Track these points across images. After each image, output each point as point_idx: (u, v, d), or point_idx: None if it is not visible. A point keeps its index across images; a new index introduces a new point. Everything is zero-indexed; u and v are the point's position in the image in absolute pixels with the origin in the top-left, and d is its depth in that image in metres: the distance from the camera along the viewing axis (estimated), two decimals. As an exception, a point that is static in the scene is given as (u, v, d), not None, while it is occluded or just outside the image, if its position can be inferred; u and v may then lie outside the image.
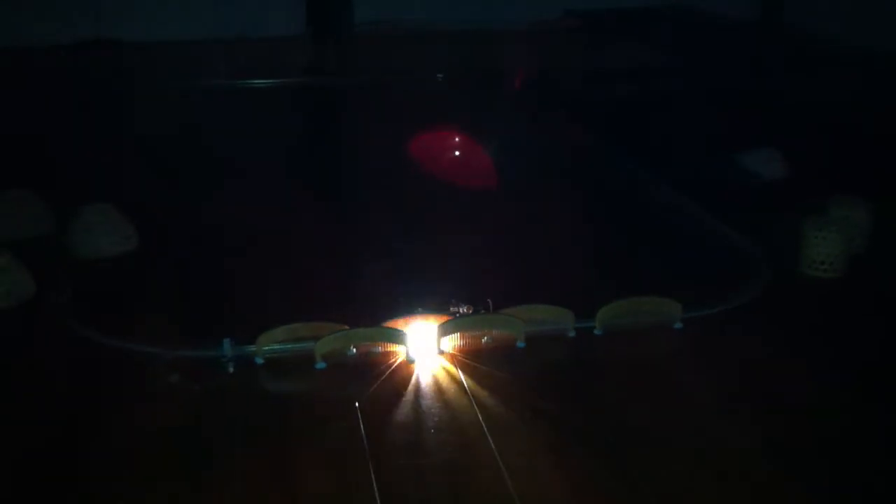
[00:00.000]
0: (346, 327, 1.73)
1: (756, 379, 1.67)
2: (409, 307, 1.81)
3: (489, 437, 1.45)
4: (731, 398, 1.60)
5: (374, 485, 1.34)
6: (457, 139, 3.08)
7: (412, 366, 1.68)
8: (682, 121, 3.46)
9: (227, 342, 1.66)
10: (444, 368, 1.68)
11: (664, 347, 1.80)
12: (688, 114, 3.57)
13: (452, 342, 1.74)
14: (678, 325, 1.84)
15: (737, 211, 2.43)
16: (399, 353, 1.71)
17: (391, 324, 1.76)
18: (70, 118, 3.46)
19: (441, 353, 1.72)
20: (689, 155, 3.01)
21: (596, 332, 1.80)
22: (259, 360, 1.68)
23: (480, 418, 1.51)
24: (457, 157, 3.04)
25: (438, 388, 1.62)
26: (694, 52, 4.60)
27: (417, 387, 1.62)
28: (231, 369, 1.65)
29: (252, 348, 1.68)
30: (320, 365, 1.67)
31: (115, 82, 4.02)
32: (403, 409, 1.54)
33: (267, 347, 1.69)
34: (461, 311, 1.80)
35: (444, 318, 1.76)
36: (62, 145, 3.09)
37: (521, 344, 1.76)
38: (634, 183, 2.79)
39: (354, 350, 1.72)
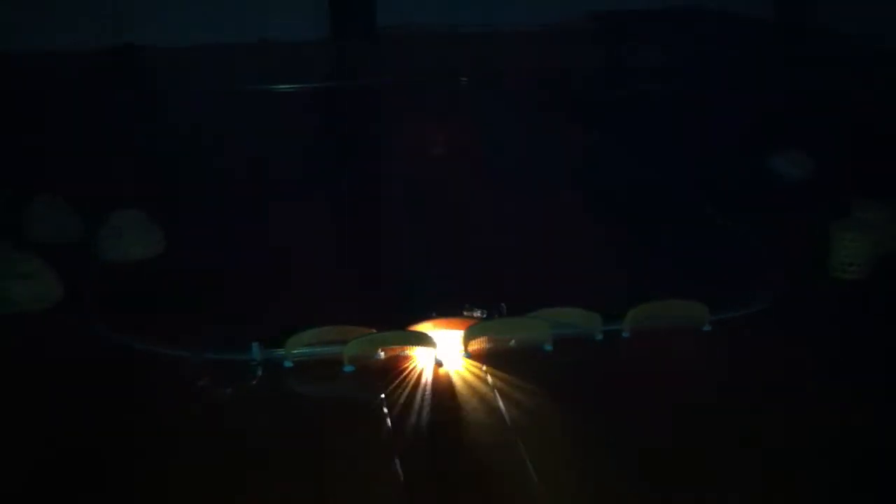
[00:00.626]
0: (374, 331, 1.73)
1: (784, 381, 1.66)
2: (427, 311, 1.80)
3: (517, 441, 1.45)
4: (760, 401, 1.59)
5: (403, 488, 1.34)
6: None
7: (440, 369, 1.68)
8: (705, 122, 3.45)
9: (256, 346, 1.67)
10: (472, 372, 1.68)
11: (692, 350, 1.79)
12: (711, 115, 3.55)
13: (480, 345, 1.74)
14: (706, 328, 1.83)
15: (763, 212, 2.42)
16: (427, 356, 1.71)
17: (418, 327, 1.76)
18: (97, 124, 3.49)
19: (468, 356, 1.72)
20: (714, 156, 3.00)
21: (624, 334, 1.80)
22: (288, 364, 1.69)
23: (508, 421, 1.51)
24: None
25: (466, 392, 1.62)
26: (715, 52, 4.57)
27: (445, 390, 1.62)
28: (260, 372, 1.66)
29: (281, 352, 1.69)
30: (348, 368, 1.68)
31: (141, 87, 4.05)
32: (431, 413, 1.54)
33: (295, 351, 1.70)
34: (476, 315, 1.80)
35: (468, 322, 1.76)
36: (90, 151, 3.12)
37: (548, 347, 1.75)
38: (660, 185, 2.78)
39: (382, 353, 1.72)
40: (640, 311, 1.81)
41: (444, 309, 1.80)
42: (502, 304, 1.81)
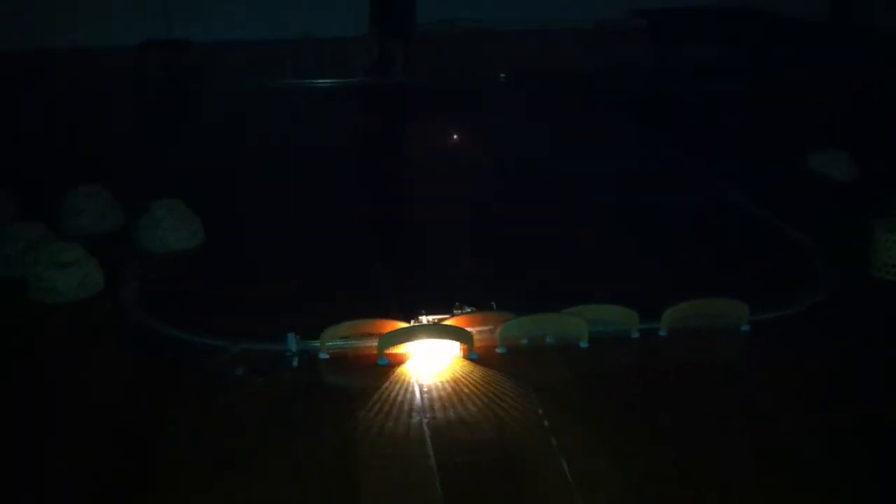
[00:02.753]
0: (409, 324, 1.73)
1: (825, 383, 1.63)
2: (416, 309, 1.79)
3: (551, 437, 1.44)
4: (799, 403, 1.57)
5: (437, 481, 1.34)
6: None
7: (474, 363, 1.68)
8: (749, 121, 3.41)
9: (291, 337, 1.68)
10: (506, 367, 1.67)
11: (730, 350, 1.77)
12: (755, 114, 3.51)
13: (515, 340, 1.73)
14: (745, 328, 1.80)
15: (806, 212, 2.39)
16: (462, 350, 1.71)
17: (453, 321, 1.76)
18: (138, 116, 3.53)
19: (504, 351, 1.71)
20: (757, 155, 2.96)
21: (661, 333, 1.78)
22: (323, 356, 1.69)
23: (542, 418, 1.50)
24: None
25: (500, 387, 1.61)
26: (760, 50, 4.53)
27: (479, 384, 1.61)
28: (295, 364, 1.66)
29: (316, 343, 1.70)
30: (383, 361, 1.68)
31: (182, 82, 4.09)
32: (465, 407, 1.54)
33: (331, 343, 1.70)
34: (465, 312, 1.79)
35: (504, 317, 1.75)
36: (131, 143, 3.16)
37: (584, 344, 1.74)
38: (701, 183, 2.75)
39: (416, 347, 1.71)
40: (679, 310, 1.79)
41: (430, 306, 1.80)
42: (492, 304, 1.80)
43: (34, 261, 1.96)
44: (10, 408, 1.56)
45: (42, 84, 3.92)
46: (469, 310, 1.79)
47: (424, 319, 1.76)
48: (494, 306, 1.79)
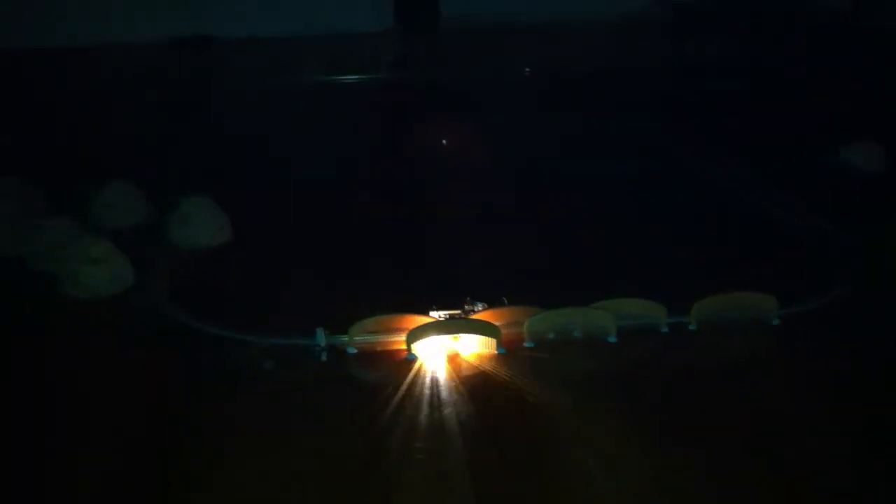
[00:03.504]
0: (436, 318, 1.73)
1: (853, 378, 1.62)
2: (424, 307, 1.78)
3: (579, 431, 1.44)
4: (828, 397, 1.56)
5: (466, 472, 1.34)
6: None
7: (502, 357, 1.68)
8: (778, 114, 3.38)
9: (320, 331, 1.69)
10: (534, 360, 1.67)
11: (759, 344, 1.76)
12: (784, 107, 3.48)
13: (543, 335, 1.73)
14: (775, 321, 1.79)
15: (835, 206, 2.36)
16: (489, 344, 1.71)
17: (481, 315, 1.76)
18: (165, 113, 3.55)
19: (532, 345, 1.71)
20: (786, 148, 2.94)
21: (690, 327, 1.77)
22: (351, 350, 1.70)
23: (570, 411, 1.50)
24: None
25: (528, 380, 1.61)
26: (787, 44, 4.49)
27: (507, 378, 1.61)
28: (324, 358, 1.67)
29: (344, 338, 1.70)
30: (411, 356, 1.68)
31: (208, 78, 4.11)
32: (493, 400, 1.54)
33: (359, 337, 1.71)
34: (477, 309, 1.79)
35: (532, 311, 1.75)
36: (159, 139, 3.17)
37: (612, 338, 1.74)
38: (730, 177, 2.73)
39: (445, 341, 1.72)
40: (708, 304, 1.78)
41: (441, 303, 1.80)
42: (504, 299, 1.80)
43: (65, 256, 1.98)
44: (42, 400, 1.57)
45: (69, 81, 3.94)
46: (480, 306, 1.79)
47: (438, 314, 1.77)
48: (506, 302, 1.79)
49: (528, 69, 4.18)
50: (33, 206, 2.30)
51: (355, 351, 1.70)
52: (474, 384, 1.59)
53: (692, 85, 3.94)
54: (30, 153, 2.99)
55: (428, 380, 1.60)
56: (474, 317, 1.76)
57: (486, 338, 1.71)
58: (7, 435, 1.48)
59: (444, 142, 3.08)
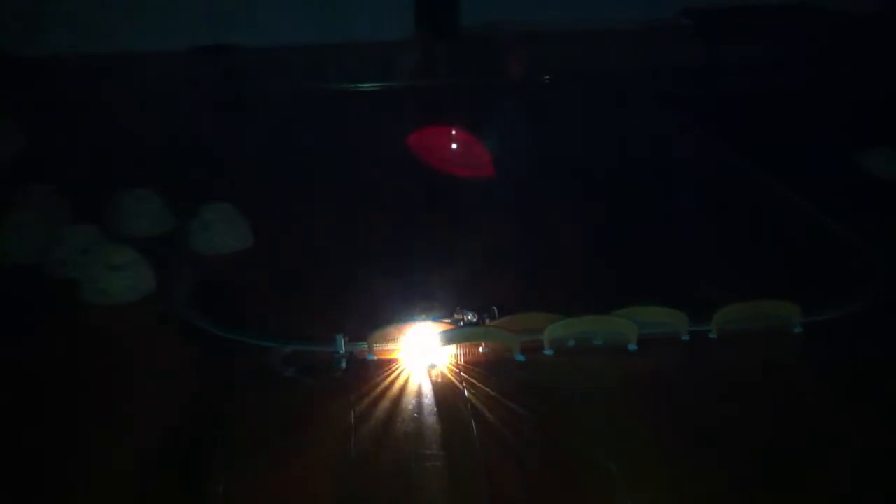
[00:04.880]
0: (456, 326, 1.73)
1: (879, 388, 1.60)
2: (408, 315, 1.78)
3: (598, 439, 1.43)
4: (852, 407, 1.54)
5: (484, 480, 1.34)
6: (454, 134, 3.16)
7: (520, 365, 1.67)
8: (798, 119, 3.36)
9: (340, 338, 1.69)
10: (553, 369, 1.67)
11: (782, 353, 1.74)
12: (804, 112, 3.46)
13: (562, 342, 1.73)
14: (797, 330, 1.78)
15: (856, 212, 2.34)
16: (507, 353, 1.70)
17: (499, 323, 1.76)
18: (188, 121, 3.58)
19: (550, 353, 1.71)
20: (805, 153, 2.92)
21: (711, 335, 1.76)
22: (371, 357, 1.70)
23: (590, 420, 1.49)
24: (455, 150, 3.12)
25: (548, 389, 1.61)
26: (813, 48, 4.46)
27: (526, 386, 1.61)
28: (344, 365, 1.67)
29: (364, 345, 1.71)
30: (430, 363, 1.68)
31: (231, 86, 4.14)
32: (512, 407, 1.54)
33: (379, 345, 1.71)
34: (468, 318, 1.77)
35: (550, 318, 1.74)
36: (181, 147, 3.20)
37: (632, 346, 1.73)
38: (755, 182, 2.72)
39: (463, 349, 1.72)
40: (729, 312, 1.77)
41: (431, 312, 1.79)
42: (494, 308, 1.78)
43: (87, 263, 1.99)
44: (63, 406, 1.59)
45: (92, 88, 3.98)
46: (469, 315, 1.77)
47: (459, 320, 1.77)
48: (496, 310, 1.78)
49: (547, 77, 4.17)
50: (58, 213, 2.32)
51: (375, 358, 1.70)
52: (492, 391, 1.58)
53: (717, 89, 3.92)
54: (54, 160, 3.02)
55: (447, 387, 1.60)
56: (493, 324, 1.75)
57: (505, 344, 1.71)
58: (30, 439, 1.49)
59: (453, 145, 3.08)
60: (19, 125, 3.20)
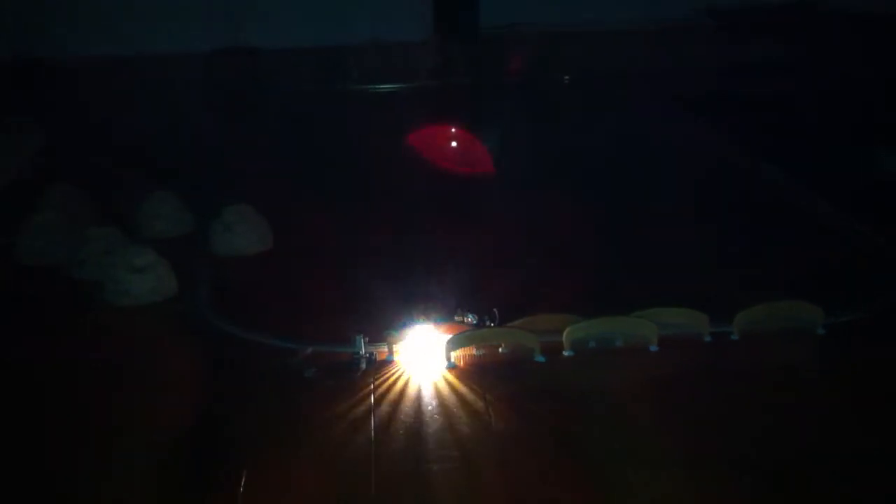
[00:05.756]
0: (477, 327, 1.73)
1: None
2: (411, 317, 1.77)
3: (619, 441, 1.43)
4: (875, 409, 1.53)
5: (503, 481, 1.33)
6: (453, 132, 3.19)
7: (540, 366, 1.67)
8: (820, 118, 3.34)
9: (360, 339, 1.69)
10: (573, 370, 1.66)
11: (805, 354, 1.73)
12: (826, 111, 3.43)
13: (582, 343, 1.72)
14: (820, 331, 1.76)
15: (880, 212, 2.32)
16: (527, 354, 1.70)
17: (518, 324, 1.75)
18: (208, 123, 3.59)
19: (571, 353, 1.70)
20: (827, 153, 2.90)
21: (733, 336, 1.75)
22: (391, 358, 1.70)
23: (610, 421, 1.49)
24: (453, 147, 3.15)
25: (567, 390, 1.60)
26: (834, 47, 4.42)
27: (546, 388, 1.61)
28: (364, 366, 1.68)
29: (384, 346, 1.71)
30: (450, 364, 1.68)
31: (251, 87, 4.16)
32: (532, 409, 1.53)
33: (399, 345, 1.71)
34: (467, 320, 1.77)
35: (569, 320, 1.74)
36: (202, 149, 3.21)
37: (653, 347, 1.72)
38: (775, 183, 2.71)
39: (482, 350, 1.71)
40: (751, 313, 1.76)
41: (431, 315, 1.78)
42: (494, 310, 1.77)
43: (110, 265, 2.01)
44: (86, 407, 1.60)
45: (114, 91, 4.01)
46: (470, 317, 1.77)
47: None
48: (496, 313, 1.77)
49: (567, 77, 4.16)
50: (81, 215, 2.33)
51: (394, 359, 1.70)
52: (512, 392, 1.58)
53: (738, 88, 3.90)
54: (76, 162, 3.04)
55: (466, 388, 1.60)
56: (513, 325, 1.75)
57: (524, 346, 1.70)
58: (51, 439, 1.50)
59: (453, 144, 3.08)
60: (41, 127, 3.23)
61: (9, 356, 1.79)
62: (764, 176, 2.78)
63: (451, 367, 1.67)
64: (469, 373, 1.65)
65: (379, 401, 1.57)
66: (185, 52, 4.45)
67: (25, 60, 4.22)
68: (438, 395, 1.58)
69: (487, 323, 1.76)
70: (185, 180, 2.65)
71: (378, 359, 1.70)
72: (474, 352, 1.71)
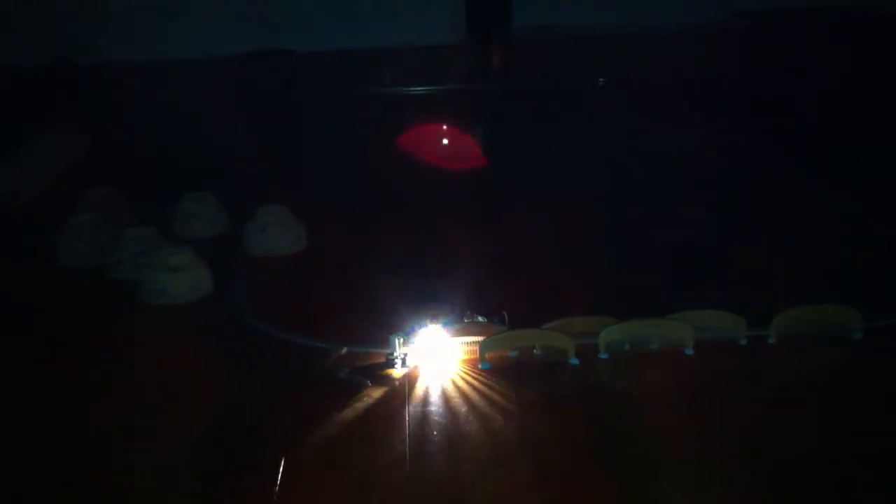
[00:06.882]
0: (507, 328, 1.73)
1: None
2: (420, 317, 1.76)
3: (654, 445, 1.42)
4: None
5: (537, 484, 1.33)
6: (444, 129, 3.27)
7: (575, 369, 1.66)
8: (864, 119, 3.30)
9: (394, 339, 1.69)
10: (608, 372, 1.66)
11: (841, 358, 1.71)
12: (869, 112, 3.40)
13: (617, 346, 1.71)
14: (858, 335, 1.74)
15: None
16: (563, 355, 1.69)
17: (553, 326, 1.75)
18: (245, 125, 3.62)
19: (605, 356, 1.69)
20: (874, 154, 2.87)
21: (770, 340, 1.73)
22: (424, 359, 1.70)
23: (645, 424, 1.48)
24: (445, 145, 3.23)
25: (602, 393, 1.60)
26: (866, 50, 4.37)
27: (580, 390, 1.60)
28: (398, 366, 1.68)
29: (418, 346, 1.71)
30: (485, 365, 1.68)
31: (287, 91, 4.18)
32: (567, 411, 1.53)
33: (433, 346, 1.71)
34: (476, 321, 1.76)
35: (604, 322, 1.73)
36: (238, 151, 3.23)
37: (689, 350, 1.71)
38: (809, 186, 2.68)
39: (516, 352, 1.71)
40: (788, 317, 1.74)
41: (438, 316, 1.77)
42: (504, 313, 1.77)
43: (146, 265, 2.03)
44: (122, 406, 1.62)
45: (150, 94, 4.05)
46: (480, 319, 1.77)
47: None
48: (506, 315, 1.77)
49: (601, 80, 4.14)
50: (117, 216, 2.36)
51: (428, 360, 1.70)
52: (547, 394, 1.58)
53: (774, 91, 3.86)
54: (115, 164, 3.08)
55: (501, 389, 1.60)
56: (548, 327, 1.74)
57: (559, 347, 1.70)
58: (89, 435, 1.52)
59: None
60: (82, 130, 3.27)
61: (49, 356, 1.81)
62: (804, 178, 2.75)
63: (486, 367, 1.67)
64: (504, 374, 1.65)
65: (413, 401, 1.58)
66: (221, 55, 4.49)
67: (68, 65, 4.28)
68: (473, 396, 1.58)
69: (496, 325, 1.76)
70: (222, 182, 2.67)
71: (412, 359, 1.70)
72: (508, 353, 1.71)
